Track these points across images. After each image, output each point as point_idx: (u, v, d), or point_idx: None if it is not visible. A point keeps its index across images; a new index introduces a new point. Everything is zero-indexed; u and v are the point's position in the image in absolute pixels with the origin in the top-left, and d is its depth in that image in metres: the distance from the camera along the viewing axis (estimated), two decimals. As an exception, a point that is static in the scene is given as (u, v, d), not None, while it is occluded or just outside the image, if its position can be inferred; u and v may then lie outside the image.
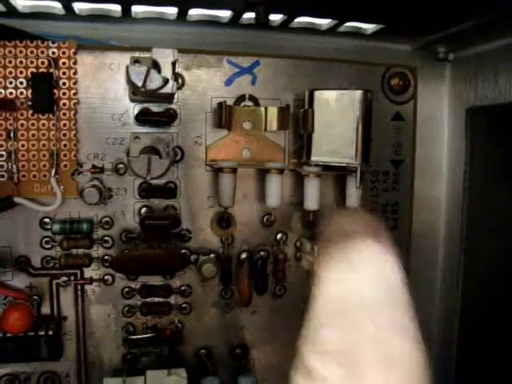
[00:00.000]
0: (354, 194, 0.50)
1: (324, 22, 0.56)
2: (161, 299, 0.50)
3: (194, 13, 0.53)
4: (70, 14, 0.52)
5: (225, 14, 0.53)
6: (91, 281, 0.49)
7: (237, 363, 0.52)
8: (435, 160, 0.61)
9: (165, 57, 0.43)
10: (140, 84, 0.42)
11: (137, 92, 0.45)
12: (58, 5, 0.51)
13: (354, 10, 0.52)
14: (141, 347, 0.50)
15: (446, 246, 0.61)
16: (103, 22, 0.54)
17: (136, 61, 0.46)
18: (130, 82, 0.43)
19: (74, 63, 0.47)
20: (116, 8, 0.52)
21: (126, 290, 0.49)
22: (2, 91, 0.46)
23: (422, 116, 0.57)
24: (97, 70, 0.47)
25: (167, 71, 0.43)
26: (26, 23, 0.52)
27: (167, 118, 0.47)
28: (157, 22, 0.54)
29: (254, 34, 0.56)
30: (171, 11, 0.53)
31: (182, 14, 0.53)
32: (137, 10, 0.52)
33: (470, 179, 0.58)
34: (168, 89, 0.43)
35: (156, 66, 0.43)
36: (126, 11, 0.52)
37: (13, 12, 0.51)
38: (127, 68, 0.43)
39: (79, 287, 0.49)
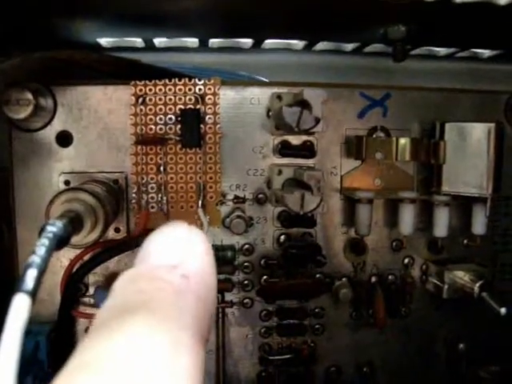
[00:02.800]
0: (480, 221, 0.51)
1: (443, 49, 0.57)
2: (296, 321, 0.52)
3: (321, 44, 0.55)
4: (202, 47, 0.54)
5: (349, 44, 0.55)
6: (232, 304, 0.51)
7: (364, 381, 0.54)
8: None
9: (315, 97, 0.45)
10: (294, 125, 0.44)
11: (283, 128, 0.47)
12: (194, 40, 0.53)
13: (475, 40, 0.54)
14: (277, 366, 0.52)
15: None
16: (233, 53, 0.56)
17: (278, 96, 0.49)
18: (281, 120, 0.45)
19: (219, 99, 0.49)
20: (247, 41, 0.54)
21: (264, 312, 0.52)
22: (153, 127, 0.49)
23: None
24: (238, 105, 0.50)
25: (317, 111, 0.45)
26: (161, 56, 0.55)
27: (310, 152, 0.49)
28: (284, 52, 0.56)
29: (375, 60, 0.57)
30: (299, 43, 0.55)
31: (309, 46, 0.55)
32: (266, 42, 0.54)
33: None
34: (319, 128, 0.45)
35: (307, 105, 0.45)
36: (257, 44, 0.54)
37: (150, 47, 0.54)
38: (281, 108, 0.45)
39: (220, 310, 0.52)
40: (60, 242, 0.38)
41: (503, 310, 0.46)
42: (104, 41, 0.52)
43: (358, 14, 0.44)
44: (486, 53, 0.58)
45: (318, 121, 0.45)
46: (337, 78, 0.56)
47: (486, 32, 0.49)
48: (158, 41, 0.53)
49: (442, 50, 0.57)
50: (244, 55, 0.57)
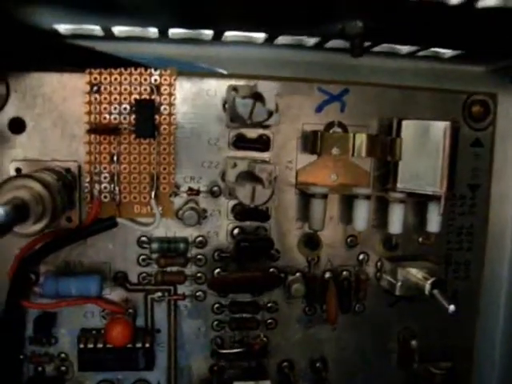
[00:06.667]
0: (435, 219, 0.52)
1: (404, 47, 0.57)
2: (249, 315, 0.52)
3: (282, 38, 0.55)
4: (163, 37, 0.54)
5: (311, 39, 0.55)
6: (184, 297, 0.51)
7: (317, 376, 0.54)
8: (506, 179, 0.62)
9: (269, 90, 0.45)
10: (246, 117, 0.44)
11: (238, 121, 0.47)
12: (154, 30, 0.52)
13: (436, 39, 0.54)
14: (229, 360, 0.52)
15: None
16: (193, 44, 0.56)
17: (234, 89, 0.48)
18: (234, 112, 0.45)
19: (174, 90, 0.49)
20: (208, 32, 0.53)
21: (216, 306, 0.52)
22: (107, 116, 0.48)
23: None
24: (195, 96, 0.49)
25: (271, 104, 0.45)
26: (120, 45, 0.54)
27: (264, 145, 0.49)
28: (245, 45, 0.56)
29: (336, 56, 0.57)
30: (259, 36, 0.54)
31: (270, 39, 0.54)
32: (227, 34, 0.54)
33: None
34: (272, 121, 0.45)
35: (260, 98, 0.45)
36: (217, 35, 0.54)
37: (109, 36, 0.53)
38: (233, 100, 0.45)
39: (172, 302, 0.51)
40: (1, 229, 0.37)
41: (452, 308, 0.47)
42: (62, 28, 0.51)
43: (316, 7, 0.44)
44: (447, 53, 0.58)
45: (270, 114, 0.45)
46: (298, 73, 0.55)
47: (443, 32, 0.49)
48: (118, 30, 0.52)
49: (404, 48, 0.57)
50: (205, 47, 0.56)
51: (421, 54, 0.58)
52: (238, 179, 0.48)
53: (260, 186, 0.45)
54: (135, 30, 0.53)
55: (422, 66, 0.60)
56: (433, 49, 0.57)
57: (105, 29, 0.52)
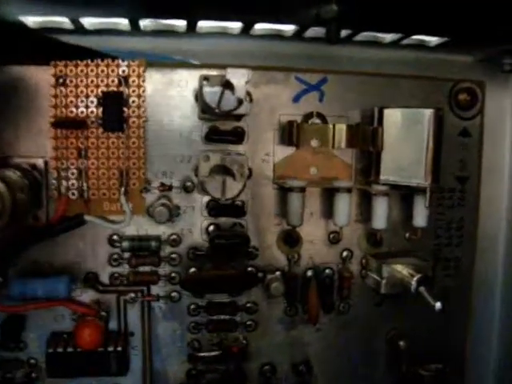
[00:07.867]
0: (421, 212, 0.49)
1: (388, 36, 0.55)
2: (227, 316, 0.50)
3: (258, 27, 0.53)
4: (135, 29, 0.52)
5: (289, 28, 0.53)
6: (158, 298, 0.49)
7: (300, 379, 0.52)
8: (497, 172, 0.59)
9: (239, 77, 0.43)
10: (214, 105, 0.42)
11: (208, 112, 0.44)
12: (125, 21, 0.50)
13: (420, 25, 0.51)
14: (206, 363, 0.50)
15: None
16: (167, 37, 0.54)
17: (206, 78, 0.46)
18: (203, 102, 0.43)
19: (144, 81, 0.46)
20: (181, 23, 0.52)
21: (193, 307, 0.50)
22: (74, 110, 0.46)
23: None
24: (165, 88, 0.47)
25: (241, 92, 0.43)
26: (92, 39, 0.52)
27: (237, 137, 0.47)
28: (220, 36, 0.54)
29: (317, 47, 0.55)
30: (235, 26, 0.52)
31: (247, 29, 0.52)
32: (201, 25, 0.52)
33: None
34: (242, 110, 0.43)
35: (229, 86, 0.43)
36: (191, 26, 0.52)
37: (80, 29, 0.51)
38: (201, 89, 0.43)
39: (146, 304, 0.49)
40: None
41: (438, 305, 0.44)
42: (29, 20, 0.50)
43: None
44: (433, 41, 0.56)
45: (240, 102, 0.42)
46: (277, 64, 0.53)
47: (420, 16, 0.46)
48: (87, 21, 0.51)
49: (387, 37, 0.55)
50: (179, 40, 0.54)
51: (405, 42, 0.56)
52: (211, 173, 0.45)
53: (231, 179, 0.43)
54: (105, 22, 0.51)
55: (408, 55, 0.58)
56: (417, 37, 0.55)
57: (73, 20, 0.50)
